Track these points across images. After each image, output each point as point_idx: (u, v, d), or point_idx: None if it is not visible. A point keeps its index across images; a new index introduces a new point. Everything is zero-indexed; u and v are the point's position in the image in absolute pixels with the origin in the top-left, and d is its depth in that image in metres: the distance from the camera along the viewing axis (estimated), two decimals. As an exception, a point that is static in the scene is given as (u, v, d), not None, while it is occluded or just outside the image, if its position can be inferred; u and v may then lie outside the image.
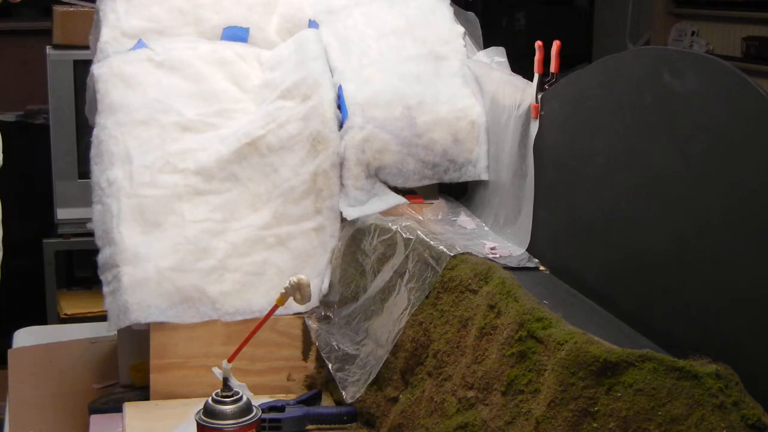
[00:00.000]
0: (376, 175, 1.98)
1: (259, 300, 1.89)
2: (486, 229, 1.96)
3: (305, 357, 1.93)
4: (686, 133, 1.36)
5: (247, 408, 1.55)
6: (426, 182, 2.03)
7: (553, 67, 1.77)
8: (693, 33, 4.82)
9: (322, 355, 1.87)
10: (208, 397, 1.56)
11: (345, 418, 1.77)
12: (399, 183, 2.00)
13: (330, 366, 1.84)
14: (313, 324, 1.91)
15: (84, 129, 3.03)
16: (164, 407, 1.84)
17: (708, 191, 1.31)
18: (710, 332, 1.30)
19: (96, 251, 1.93)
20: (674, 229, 1.38)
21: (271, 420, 1.72)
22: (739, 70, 1.27)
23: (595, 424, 1.24)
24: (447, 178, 2.03)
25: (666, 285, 1.40)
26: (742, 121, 1.25)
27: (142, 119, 2.00)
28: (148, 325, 1.86)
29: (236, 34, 2.19)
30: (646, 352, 1.22)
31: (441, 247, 1.70)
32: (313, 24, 2.21)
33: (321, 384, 1.91)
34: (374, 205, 1.94)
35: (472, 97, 2.06)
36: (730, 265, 1.27)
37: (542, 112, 1.77)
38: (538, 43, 1.78)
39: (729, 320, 1.27)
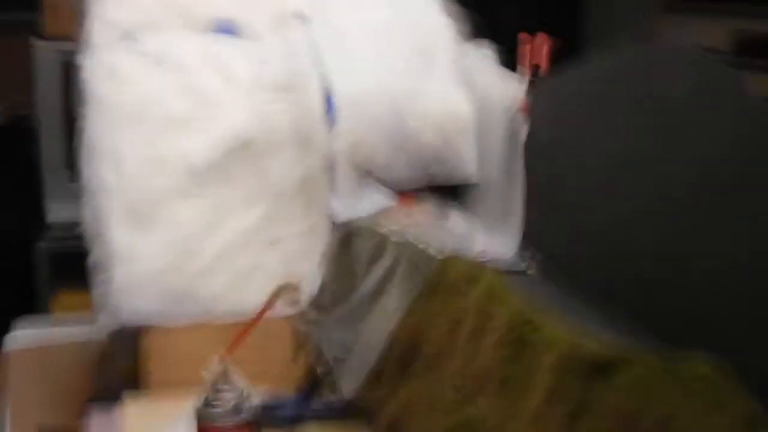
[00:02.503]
0: (366, 175, 1.98)
1: (250, 301, 1.89)
2: (476, 229, 1.95)
3: (297, 358, 1.93)
4: (677, 129, 1.36)
5: (242, 406, 1.55)
6: (416, 183, 2.03)
7: (543, 64, 1.77)
8: (685, 28, 4.83)
9: (314, 356, 1.86)
10: (203, 395, 1.56)
11: (338, 416, 1.77)
12: (389, 184, 2.00)
13: (322, 367, 1.84)
14: (304, 326, 1.91)
15: (73, 127, 3.02)
16: (159, 406, 1.84)
17: (702, 190, 1.31)
18: (707, 330, 1.30)
19: (88, 252, 1.93)
20: (666, 228, 1.38)
21: (266, 417, 1.72)
22: (730, 64, 1.27)
23: (589, 423, 1.24)
24: (437, 179, 2.03)
25: (659, 284, 1.40)
26: (734, 116, 1.25)
27: (130, 116, 1.99)
28: (140, 325, 1.86)
29: (226, 28, 2.19)
30: (640, 350, 1.22)
31: (431, 248, 1.70)
32: (302, 19, 2.21)
33: (313, 384, 1.91)
34: (364, 206, 1.94)
35: (462, 95, 2.06)
36: (729, 264, 1.27)
37: (532, 111, 1.77)
38: (528, 40, 1.78)
39: (726, 318, 1.27)
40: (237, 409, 1.55)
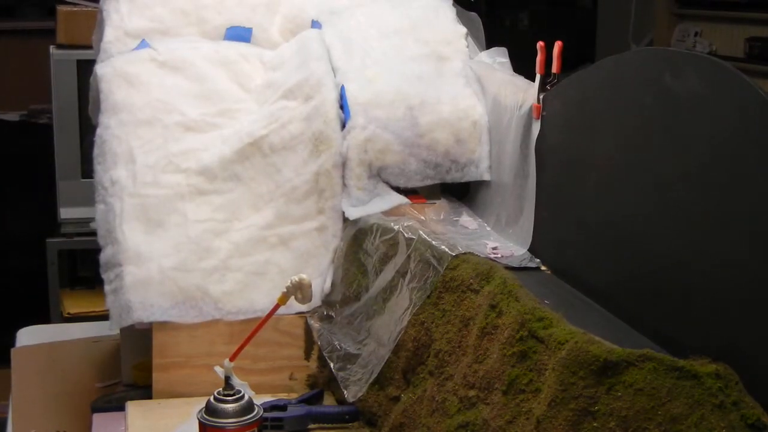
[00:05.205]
0: (378, 175, 1.99)
1: (261, 299, 1.90)
2: (488, 229, 1.96)
3: (307, 356, 1.94)
4: (687, 134, 1.36)
5: (249, 407, 1.56)
6: (428, 182, 2.03)
7: (555, 67, 1.77)
8: (696, 34, 4.83)
9: (324, 354, 1.87)
10: (210, 395, 1.56)
11: (347, 417, 1.78)
12: (401, 183, 2.01)
13: (332, 365, 1.84)
14: (315, 323, 1.92)
15: (87, 129, 3.04)
16: (166, 406, 1.85)
17: (709, 192, 1.32)
18: (710, 332, 1.31)
19: (99, 250, 1.94)
20: (674, 229, 1.38)
21: (273, 419, 1.73)
22: (742, 71, 1.28)
23: (595, 424, 1.24)
24: (449, 179, 2.04)
25: (666, 285, 1.40)
26: (743, 121, 1.26)
27: (145, 119, 2.01)
28: (150, 324, 1.87)
29: (239, 35, 2.20)
30: (646, 351, 1.22)
31: (443, 246, 1.71)
32: (315, 24, 2.22)
33: (323, 383, 1.92)
34: (376, 205, 1.95)
35: (474, 97, 2.07)
36: (731, 265, 1.27)
37: (544, 113, 1.77)
38: (540, 44, 1.78)
39: (729, 320, 1.27)
40: (242, 412, 1.55)
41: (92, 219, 2.00)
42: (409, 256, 1.75)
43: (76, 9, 3.50)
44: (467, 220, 2.00)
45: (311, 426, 1.77)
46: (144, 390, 1.93)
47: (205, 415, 1.55)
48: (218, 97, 2.08)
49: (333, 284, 1.93)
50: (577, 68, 1.75)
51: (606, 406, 1.23)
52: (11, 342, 2.41)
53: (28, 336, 2.45)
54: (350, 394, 1.78)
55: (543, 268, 1.76)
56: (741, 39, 4.51)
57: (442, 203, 2.06)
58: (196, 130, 2.03)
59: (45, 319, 3.45)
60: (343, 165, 1.97)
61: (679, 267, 1.37)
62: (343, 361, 1.83)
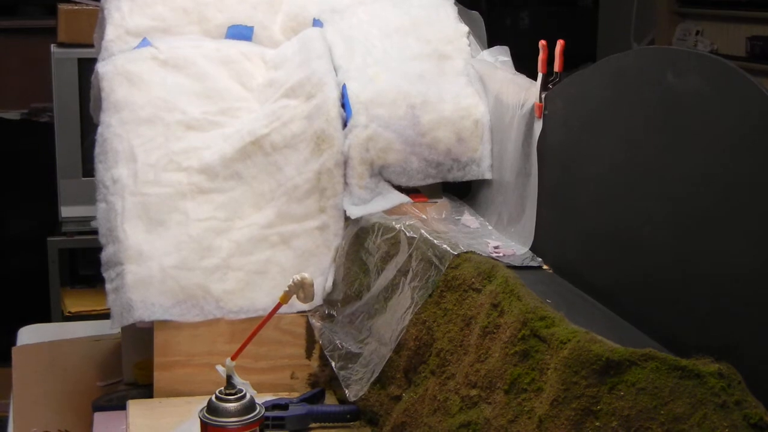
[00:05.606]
0: (379, 173, 1.99)
1: (262, 298, 1.90)
2: (489, 228, 1.96)
3: (309, 355, 1.93)
4: (689, 132, 1.36)
5: (251, 406, 1.56)
6: (430, 181, 2.03)
7: (556, 66, 1.77)
8: (697, 32, 4.83)
9: (326, 353, 1.87)
10: (212, 394, 1.56)
11: (348, 416, 1.78)
12: (403, 182, 2.01)
13: (333, 364, 1.84)
14: (316, 322, 1.92)
15: (88, 127, 3.04)
16: (168, 405, 1.85)
17: (710, 190, 1.31)
18: (713, 331, 1.30)
19: (100, 249, 1.93)
20: (676, 228, 1.38)
21: (275, 418, 1.73)
22: (743, 69, 1.28)
23: (597, 423, 1.24)
24: (451, 177, 2.04)
25: (668, 284, 1.40)
26: (745, 120, 1.26)
27: (146, 117, 2.01)
28: (151, 323, 1.87)
29: (240, 33, 2.20)
30: (648, 351, 1.22)
31: (444, 245, 1.71)
32: (317, 23, 2.22)
33: (324, 382, 1.91)
34: (378, 203, 1.95)
35: (476, 96, 2.07)
36: (733, 264, 1.27)
37: (546, 112, 1.77)
38: (542, 43, 1.78)
39: (731, 319, 1.27)
40: (244, 411, 1.55)
41: (93, 218, 2.00)
42: (410, 255, 1.75)
43: (77, 7, 3.50)
44: (469, 219, 2.00)
45: (312, 425, 1.77)
46: (145, 389, 1.93)
47: (206, 414, 1.55)
48: (219, 95, 2.08)
49: (334, 283, 1.93)
50: (578, 67, 1.75)
51: (608, 405, 1.23)
52: (12, 340, 2.41)
53: (29, 335, 2.45)
54: (351, 393, 1.78)
55: (545, 267, 1.76)
56: (742, 38, 4.51)
57: (443, 202, 2.06)
58: (198, 129, 2.02)
59: (46, 317, 3.46)
60: (345, 164, 1.97)
61: (681, 266, 1.37)
62: (345, 360, 1.83)
